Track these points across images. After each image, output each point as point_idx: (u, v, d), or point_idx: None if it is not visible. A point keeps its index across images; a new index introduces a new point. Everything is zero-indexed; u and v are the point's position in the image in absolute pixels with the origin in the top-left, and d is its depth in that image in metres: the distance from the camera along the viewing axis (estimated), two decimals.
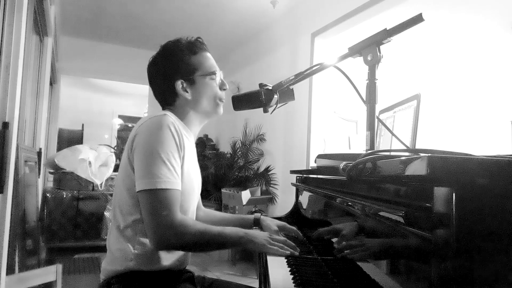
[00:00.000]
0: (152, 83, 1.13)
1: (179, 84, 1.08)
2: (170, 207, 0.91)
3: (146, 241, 0.98)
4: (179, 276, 1.07)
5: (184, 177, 1.01)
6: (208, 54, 1.15)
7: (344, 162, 0.80)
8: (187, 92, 1.09)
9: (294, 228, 1.19)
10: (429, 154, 0.49)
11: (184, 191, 1.01)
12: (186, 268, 1.14)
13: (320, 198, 1.20)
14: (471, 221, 0.47)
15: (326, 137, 3.37)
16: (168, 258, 1.02)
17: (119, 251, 1.00)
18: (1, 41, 1.27)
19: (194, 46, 1.11)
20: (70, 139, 6.02)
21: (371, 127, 0.84)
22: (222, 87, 1.15)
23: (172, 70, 1.09)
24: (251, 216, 1.23)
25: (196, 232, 0.93)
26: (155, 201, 0.91)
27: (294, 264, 0.92)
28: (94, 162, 2.89)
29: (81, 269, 2.46)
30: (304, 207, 1.44)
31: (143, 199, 0.92)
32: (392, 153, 0.73)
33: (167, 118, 0.98)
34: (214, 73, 1.12)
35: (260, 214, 1.23)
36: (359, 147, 3.65)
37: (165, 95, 1.11)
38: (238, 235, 0.98)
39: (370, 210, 0.72)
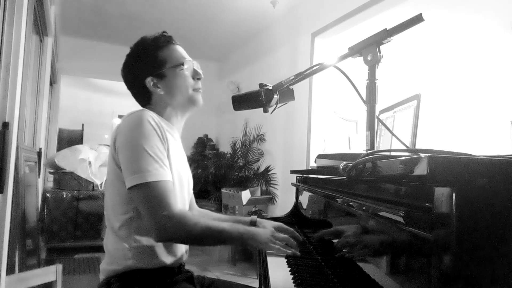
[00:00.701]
0: (127, 86, 1.14)
1: (149, 81, 1.08)
2: (165, 198, 0.91)
3: (142, 238, 0.99)
4: (178, 273, 1.07)
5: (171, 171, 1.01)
6: (176, 47, 1.12)
7: (344, 162, 0.80)
8: (158, 87, 1.09)
9: (291, 229, 1.16)
10: (429, 154, 0.49)
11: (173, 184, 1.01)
12: (185, 268, 1.14)
13: (320, 198, 1.20)
14: (471, 221, 0.47)
15: (326, 137, 3.37)
16: (165, 254, 1.02)
17: (116, 251, 1.00)
18: (1, 41, 1.27)
19: (159, 41, 1.10)
20: (70, 139, 6.01)
21: (371, 127, 0.84)
22: (195, 76, 1.13)
23: (141, 69, 1.09)
24: (248, 219, 1.20)
25: (196, 224, 0.92)
26: (149, 195, 0.91)
27: (294, 264, 0.92)
28: (94, 162, 2.89)
29: (81, 269, 2.46)
30: (304, 207, 1.44)
31: (137, 195, 0.92)
32: (392, 153, 0.73)
33: (145, 112, 0.98)
34: (182, 63, 1.09)
35: (256, 216, 1.22)
36: (359, 147, 3.65)
37: (140, 95, 1.12)
38: (239, 231, 0.97)
39: (370, 210, 0.72)
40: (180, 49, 1.13)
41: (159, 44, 1.09)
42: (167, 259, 1.03)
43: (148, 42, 1.10)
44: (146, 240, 0.99)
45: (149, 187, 0.91)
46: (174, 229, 0.91)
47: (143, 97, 1.12)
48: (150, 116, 0.98)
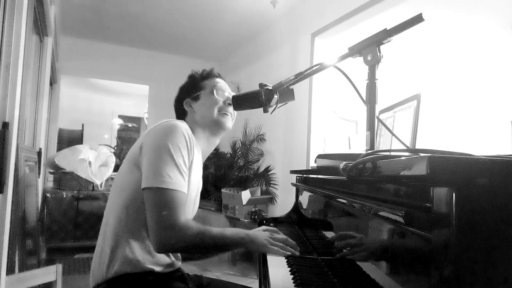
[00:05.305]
0: (175, 110, 1.29)
1: (186, 102, 1.23)
2: (175, 208, 0.91)
3: (136, 242, 0.99)
4: (168, 276, 1.07)
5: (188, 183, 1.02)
6: (219, 80, 1.25)
7: (344, 162, 0.80)
8: (191, 107, 1.21)
9: (274, 228, 1.15)
10: (429, 154, 0.49)
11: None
12: (178, 267, 1.14)
13: (320, 198, 1.20)
14: (471, 221, 0.47)
15: (326, 137, 3.37)
16: (157, 262, 1.02)
17: (108, 253, 0.99)
18: (1, 41, 1.27)
19: (206, 74, 1.27)
20: (70, 139, 6.01)
21: (371, 127, 0.84)
22: (226, 101, 1.21)
23: (184, 93, 1.26)
24: None
25: (199, 234, 0.93)
26: (162, 201, 0.91)
27: (294, 264, 0.92)
28: (94, 162, 2.89)
29: (81, 269, 2.46)
30: (304, 207, 1.44)
31: (149, 197, 0.93)
32: (392, 153, 0.73)
33: (181, 123, 1.04)
34: (215, 87, 1.20)
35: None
36: (359, 147, 3.65)
37: (178, 114, 1.27)
38: (239, 236, 0.99)
39: (370, 210, 0.72)
40: (219, 81, 1.26)
41: (203, 75, 1.26)
42: (159, 266, 1.02)
43: (196, 73, 1.29)
44: (139, 245, 0.99)
45: (163, 194, 0.92)
46: (175, 240, 0.90)
47: (180, 115, 1.26)
48: (185, 128, 1.03)
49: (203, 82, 1.24)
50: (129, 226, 0.99)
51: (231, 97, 1.18)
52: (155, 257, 1.02)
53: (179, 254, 1.14)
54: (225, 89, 1.23)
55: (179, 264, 1.13)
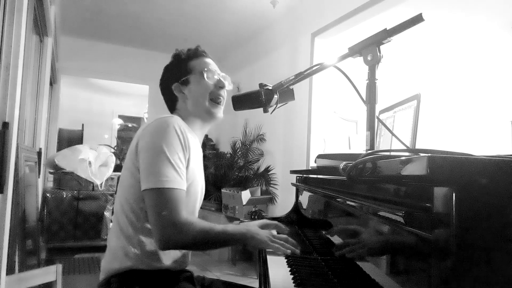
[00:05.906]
0: (162, 93, 1.21)
1: (175, 87, 1.16)
2: (176, 206, 0.92)
3: (146, 240, 0.99)
4: (178, 275, 1.07)
5: (189, 179, 1.02)
6: (206, 59, 1.19)
7: (344, 162, 0.80)
8: (182, 93, 1.15)
9: (274, 222, 1.17)
10: (429, 154, 0.49)
11: (189, 192, 1.02)
12: (186, 267, 1.15)
13: (320, 198, 1.20)
14: (471, 221, 0.47)
15: (326, 137, 3.37)
16: (167, 258, 1.03)
17: (119, 249, 1.01)
18: (1, 41, 1.27)
19: (192, 53, 1.19)
20: (70, 139, 6.01)
21: (371, 127, 0.84)
22: (218, 84, 1.16)
23: (171, 76, 1.18)
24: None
25: (201, 230, 0.94)
26: (161, 200, 0.92)
27: (294, 264, 0.92)
28: (94, 162, 2.89)
29: (81, 269, 2.46)
30: (304, 207, 1.44)
31: (149, 198, 0.93)
32: (392, 153, 0.73)
33: (173, 119, 1.01)
34: (205, 70, 1.14)
35: (239, 222, 1.21)
36: (359, 147, 3.65)
37: (168, 101, 1.20)
38: (241, 232, 1.00)
39: (370, 210, 0.72)
40: (209, 61, 1.19)
41: (191, 56, 1.18)
42: (169, 263, 1.03)
43: (181, 53, 1.20)
44: (149, 243, 1.00)
45: (162, 193, 0.92)
46: (179, 237, 0.91)
47: (170, 102, 1.19)
48: (177, 123, 1.00)
49: (190, 63, 1.16)
50: (139, 225, 1.00)
51: (221, 78, 1.17)
52: (167, 252, 1.02)
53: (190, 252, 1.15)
54: (215, 70, 1.18)
55: (189, 259, 1.14)
